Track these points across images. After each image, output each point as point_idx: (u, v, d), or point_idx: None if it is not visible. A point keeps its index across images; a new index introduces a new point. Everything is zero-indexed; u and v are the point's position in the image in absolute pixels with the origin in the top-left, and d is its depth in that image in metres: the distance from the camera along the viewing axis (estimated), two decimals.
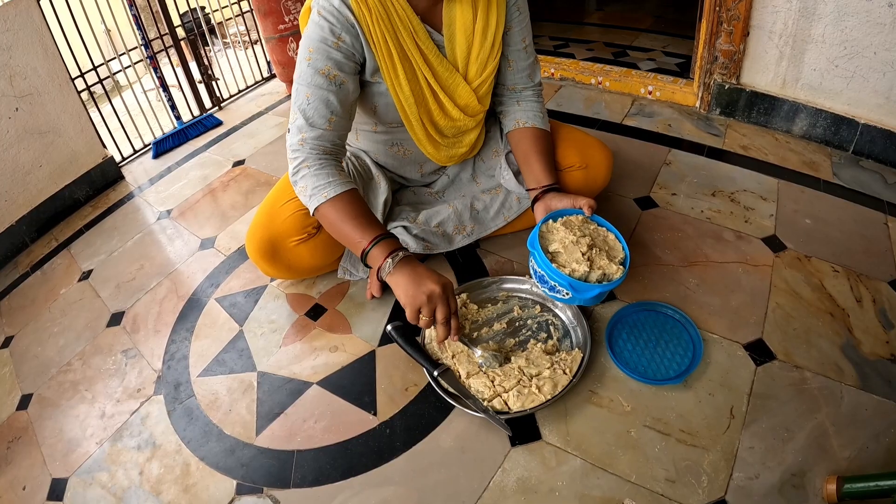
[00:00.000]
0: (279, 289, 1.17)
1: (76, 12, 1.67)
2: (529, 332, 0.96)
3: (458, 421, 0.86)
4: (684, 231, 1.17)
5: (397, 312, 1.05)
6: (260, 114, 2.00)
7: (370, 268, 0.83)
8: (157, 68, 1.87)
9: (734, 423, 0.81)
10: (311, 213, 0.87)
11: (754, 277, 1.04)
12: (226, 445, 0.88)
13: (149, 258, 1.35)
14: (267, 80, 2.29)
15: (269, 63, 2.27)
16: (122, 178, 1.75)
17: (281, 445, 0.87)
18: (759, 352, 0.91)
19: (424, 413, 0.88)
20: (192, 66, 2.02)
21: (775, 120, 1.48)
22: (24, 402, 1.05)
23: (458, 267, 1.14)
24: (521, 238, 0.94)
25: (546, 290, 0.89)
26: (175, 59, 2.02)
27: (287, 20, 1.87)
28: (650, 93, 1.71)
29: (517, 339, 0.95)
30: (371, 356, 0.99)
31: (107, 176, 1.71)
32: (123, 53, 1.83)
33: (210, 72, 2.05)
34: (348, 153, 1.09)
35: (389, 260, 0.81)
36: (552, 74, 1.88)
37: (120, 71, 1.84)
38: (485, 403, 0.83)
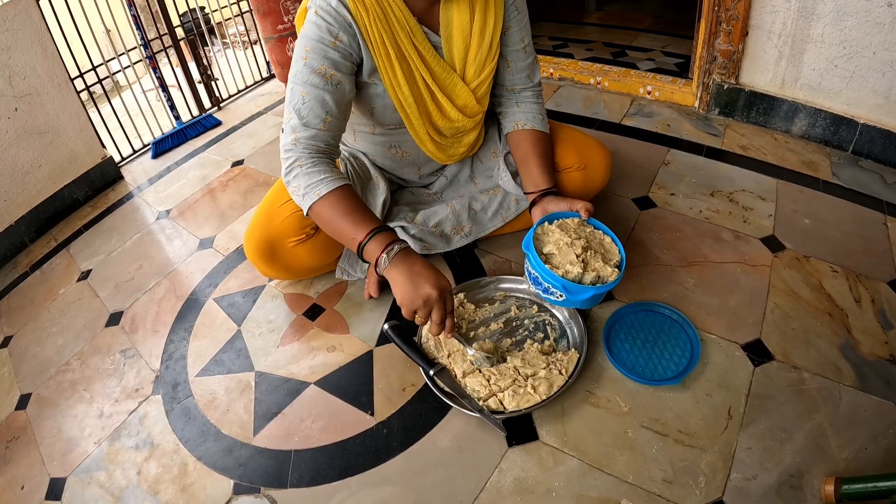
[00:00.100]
0: (277, 289, 1.17)
1: (75, 12, 1.67)
2: (526, 332, 0.96)
3: (455, 421, 0.86)
4: (683, 231, 1.17)
5: (395, 312, 1.05)
6: (259, 114, 2.00)
7: (367, 263, 0.82)
8: (156, 68, 1.87)
9: (732, 424, 0.81)
10: (305, 214, 0.86)
11: (753, 277, 1.04)
12: (223, 445, 0.89)
13: (148, 258, 1.35)
14: (266, 80, 2.29)
15: (268, 63, 2.27)
16: (122, 178, 1.75)
17: (278, 445, 0.87)
18: (757, 352, 0.90)
19: (422, 413, 0.88)
20: (192, 66, 2.02)
21: (774, 120, 1.48)
22: (23, 401, 1.05)
23: (456, 267, 1.14)
24: (519, 238, 0.94)
25: (540, 292, 0.89)
26: (174, 59, 2.02)
27: (286, 20, 1.87)
28: (649, 93, 1.71)
29: (514, 339, 0.95)
30: (368, 356, 0.99)
31: (106, 176, 1.71)
32: (123, 54, 1.83)
33: (209, 72, 2.05)
34: (347, 154, 1.09)
35: (385, 255, 0.80)
36: (551, 74, 1.88)
37: (119, 71, 1.85)
38: (480, 403, 0.83)
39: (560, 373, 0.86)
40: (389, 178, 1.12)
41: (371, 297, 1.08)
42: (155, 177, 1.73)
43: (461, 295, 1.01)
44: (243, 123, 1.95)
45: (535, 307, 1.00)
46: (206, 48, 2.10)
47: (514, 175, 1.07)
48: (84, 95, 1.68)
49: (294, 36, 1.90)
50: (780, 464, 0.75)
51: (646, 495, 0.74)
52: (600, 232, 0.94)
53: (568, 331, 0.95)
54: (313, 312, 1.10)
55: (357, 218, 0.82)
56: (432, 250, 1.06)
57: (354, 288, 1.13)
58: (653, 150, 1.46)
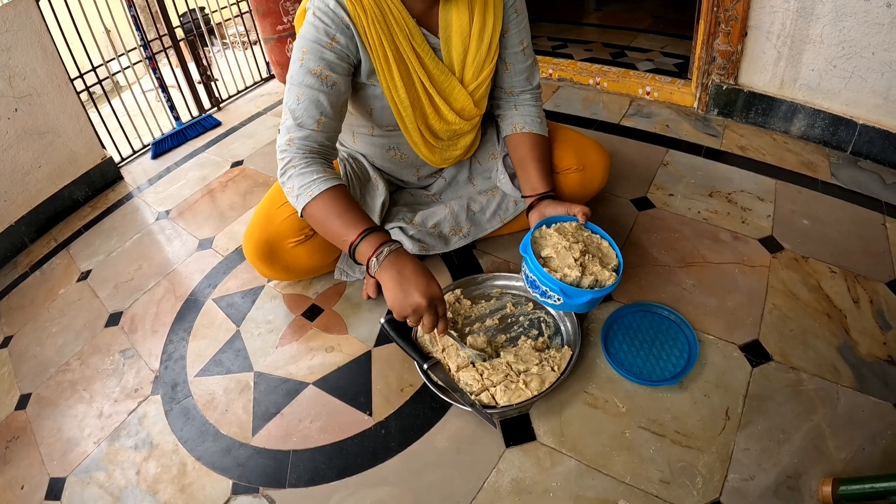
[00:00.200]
0: (276, 289, 1.17)
1: (75, 13, 1.67)
2: (521, 329, 0.97)
3: (453, 421, 0.86)
4: (681, 232, 1.17)
5: None
6: (259, 114, 2.00)
7: (360, 264, 0.82)
8: (156, 69, 1.87)
9: (729, 425, 0.81)
10: (299, 215, 0.85)
11: (751, 278, 1.04)
12: (222, 445, 0.89)
13: (147, 258, 1.35)
14: (266, 80, 2.29)
15: (267, 64, 2.27)
16: (121, 178, 1.75)
17: (277, 445, 0.87)
18: (755, 353, 0.91)
19: (420, 413, 0.88)
20: (192, 66, 2.02)
21: (773, 120, 1.48)
22: (23, 401, 1.06)
23: (454, 268, 1.14)
24: (518, 239, 0.94)
25: (538, 296, 0.89)
26: (174, 59, 2.02)
27: (285, 21, 1.87)
28: (648, 93, 1.71)
29: (508, 336, 0.96)
30: (367, 356, 0.99)
31: (106, 176, 1.71)
32: (122, 54, 1.83)
33: (209, 72, 2.05)
34: (346, 155, 1.09)
35: (374, 259, 0.79)
36: (550, 75, 1.88)
37: (119, 72, 1.85)
38: (472, 397, 0.84)
39: (552, 369, 0.86)
40: (388, 179, 1.12)
41: (370, 297, 1.08)
42: (155, 177, 1.73)
43: (458, 291, 1.02)
44: (243, 124, 1.95)
45: (531, 304, 1.01)
46: (205, 49, 2.10)
47: (513, 177, 1.07)
48: (84, 96, 1.68)
49: (293, 37, 1.90)
50: (778, 464, 0.76)
51: (643, 496, 0.74)
52: (598, 236, 0.95)
53: (562, 328, 0.96)
54: (312, 313, 1.10)
55: (349, 219, 0.81)
56: (431, 251, 1.06)
57: (353, 288, 1.13)
58: (651, 150, 1.46)
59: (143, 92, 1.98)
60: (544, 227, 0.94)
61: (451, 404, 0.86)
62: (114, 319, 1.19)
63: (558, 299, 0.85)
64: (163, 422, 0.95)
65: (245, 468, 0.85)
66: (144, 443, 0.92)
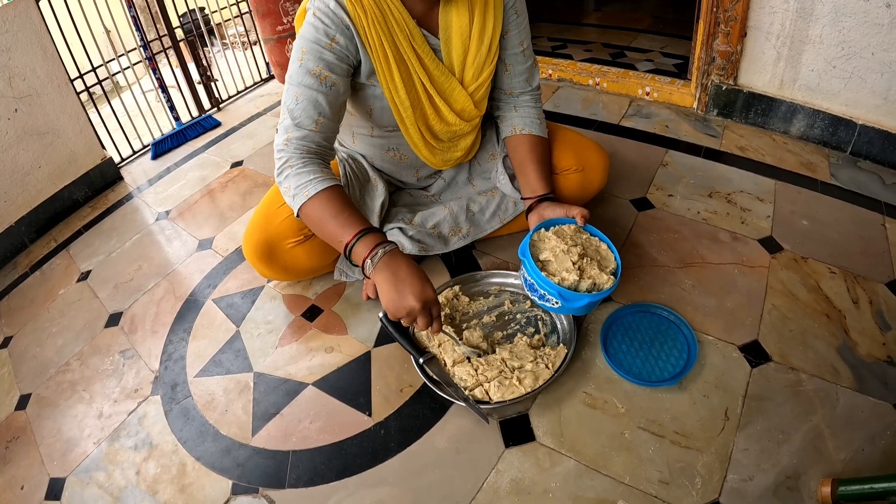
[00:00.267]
0: (276, 290, 1.17)
1: (75, 13, 1.67)
2: (518, 327, 0.97)
3: (452, 422, 0.86)
4: (680, 232, 1.17)
5: None
6: (258, 115, 2.00)
7: (357, 266, 0.83)
8: (156, 69, 1.87)
9: (729, 425, 0.81)
10: (295, 215, 0.85)
11: (750, 279, 1.04)
12: (222, 446, 0.89)
13: (147, 259, 1.35)
14: (266, 81, 2.29)
15: (267, 64, 2.28)
16: (121, 178, 1.75)
17: (276, 446, 0.87)
18: (754, 353, 0.91)
19: (419, 414, 0.88)
20: (191, 67, 2.02)
21: (773, 121, 1.48)
22: (23, 401, 1.06)
23: (453, 268, 1.14)
24: (517, 239, 0.94)
25: (536, 299, 0.89)
26: (174, 60, 2.02)
27: (285, 21, 1.87)
28: (648, 94, 1.71)
29: (505, 333, 0.96)
30: (366, 357, 0.99)
31: (106, 177, 1.71)
32: (122, 55, 1.83)
33: (209, 73, 2.05)
34: (345, 155, 1.09)
35: (369, 261, 0.80)
36: (550, 75, 1.88)
37: (119, 72, 1.85)
38: (466, 392, 0.84)
39: (546, 367, 0.87)
40: (388, 179, 1.12)
41: (369, 298, 1.08)
42: (154, 178, 1.73)
43: (456, 287, 1.03)
44: (243, 124, 1.95)
45: (528, 302, 1.01)
46: (205, 49, 2.10)
47: (512, 178, 1.07)
48: (84, 96, 1.68)
49: (293, 37, 1.90)
50: (777, 465, 0.76)
51: (642, 496, 0.74)
52: (596, 238, 0.95)
53: (559, 326, 0.96)
54: (312, 313, 1.10)
55: (344, 220, 0.81)
56: (430, 251, 1.06)
57: (353, 289, 1.13)
58: (651, 151, 1.46)
59: (143, 92, 1.98)
60: (542, 230, 0.94)
61: (451, 404, 0.86)
62: (114, 320, 1.19)
63: (556, 303, 0.86)
64: (162, 422, 0.95)
65: (245, 468, 0.85)
66: (144, 443, 0.92)
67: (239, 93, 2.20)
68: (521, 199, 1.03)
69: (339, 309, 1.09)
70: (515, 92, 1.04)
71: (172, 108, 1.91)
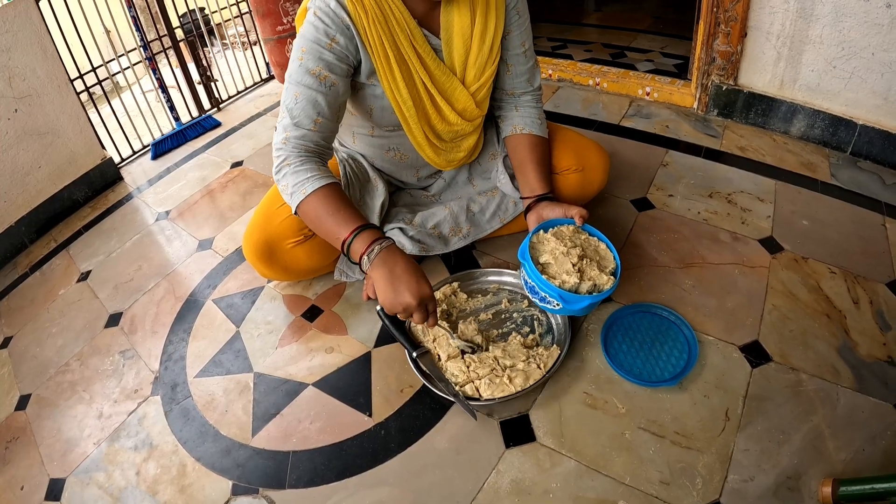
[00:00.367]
0: (276, 290, 1.17)
1: (75, 14, 1.67)
2: (513, 325, 0.98)
3: (452, 422, 0.86)
4: (681, 232, 1.17)
5: None
6: (258, 115, 2.00)
7: (356, 264, 0.84)
8: (156, 70, 1.87)
9: (729, 426, 0.81)
10: (294, 212, 0.86)
11: (751, 279, 1.04)
12: (222, 446, 0.89)
13: (147, 259, 1.35)
14: (266, 81, 2.29)
15: (267, 64, 2.28)
16: (121, 179, 1.75)
17: (276, 446, 0.87)
18: (754, 354, 0.91)
19: (419, 414, 0.88)
20: (191, 67, 2.02)
21: (773, 121, 1.48)
22: (23, 402, 1.06)
23: (453, 268, 1.14)
24: (517, 239, 0.95)
25: (537, 301, 0.89)
26: (174, 60, 2.02)
27: (285, 21, 1.87)
28: (648, 94, 1.71)
29: (500, 331, 0.97)
30: (367, 357, 0.99)
31: (106, 177, 1.71)
32: (122, 55, 1.83)
33: (209, 73, 2.05)
34: (345, 155, 1.09)
35: (366, 257, 0.81)
36: (550, 76, 1.88)
37: (119, 72, 1.85)
38: (457, 388, 0.85)
39: (538, 367, 0.87)
40: (388, 180, 1.12)
41: (369, 298, 1.07)
42: (154, 178, 1.73)
43: (455, 284, 1.04)
44: (243, 125, 1.95)
45: (526, 301, 1.02)
46: (205, 49, 2.10)
47: (513, 177, 1.07)
48: (84, 96, 1.68)
49: (293, 37, 1.90)
50: (778, 465, 0.76)
51: (643, 497, 0.74)
52: (595, 239, 0.95)
53: (554, 327, 0.96)
54: (312, 314, 1.10)
55: (342, 217, 0.82)
56: (430, 252, 1.06)
57: (353, 289, 1.13)
58: (651, 151, 1.46)
59: (143, 92, 1.98)
60: (542, 232, 0.94)
61: (451, 405, 0.86)
62: (114, 320, 1.19)
63: (557, 304, 0.86)
64: (162, 422, 0.94)
65: (245, 469, 0.85)
66: (144, 443, 0.92)
67: (239, 93, 2.20)
68: (521, 198, 1.03)
69: (339, 309, 1.09)
70: (517, 92, 1.04)
71: (172, 108, 1.91)
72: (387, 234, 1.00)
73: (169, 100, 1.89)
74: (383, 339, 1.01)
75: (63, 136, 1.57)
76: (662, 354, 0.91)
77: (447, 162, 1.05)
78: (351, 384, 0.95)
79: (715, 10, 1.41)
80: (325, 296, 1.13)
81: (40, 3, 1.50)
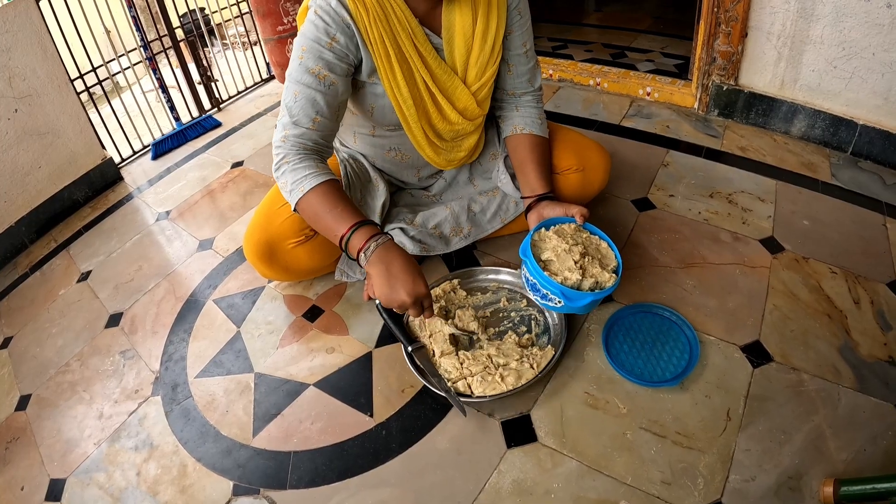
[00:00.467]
0: (276, 290, 1.17)
1: (75, 14, 1.67)
2: (511, 325, 0.98)
3: (454, 422, 0.86)
4: (681, 232, 1.17)
5: None
6: (259, 115, 2.00)
7: (354, 259, 0.85)
8: (156, 70, 1.87)
9: (730, 426, 0.81)
10: (293, 209, 0.87)
11: (752, 279, 1.04)
12: (223, 446, 0.89)
13: (147, 259, 1.35)
14: (266, 81, 2.29)
15: (268, 64, 2.27)
16: (121, 179, 1.75)
17: (277, 447, 0.87)
18: (756, 354, 0.90)
19: (420, 415, 0.88)
20: (192, 67, 2.02)
21: (773, 121, 1.48)
22: (23, 402, 1.05)
23: (454, 269, 1.14)
24: (518, 239, 0.94)
25: (538, 299, 0.89)
26: (174, 60, 2.02)
27: (286, 21, 1.87)
28: (648, 94, 1.71)
29: (497, 329, 0.97)
30: (367, 357, 0.99)
31: (106, 177, 1.71)
32: (123, 55, 1.83)
33: (209, 73, 2.05)
34: (346, 156, 1.09)
35: (363, 254, 0.82)
36: (551, 76, 1.88)
37: (119, 72, 1.85)
38: (449, 384, 0.86)
39: (531, 367, 0.87)
40: (389, 179, 1.12)
41: (370, 298, 1.08)
42: (155, 178, 1.73)
43: (455, 281, 1.04)
44: (243, 125, 1.95)
45: (525, 301, 1.02)
46: (205, 49, 2.10)
47: (514, 178, 1.07)
48: (84, 96, 1.68)
49: (294, 37, 1.90)
50: (779, 465, 0.76)
51: (644, 497, 0.74)
52: (596, 237, 0.95)
53: (551, 328, 0.96)
54: (312, 314, 1.10)
55: (340, 213, 0.83)
56: (431, 252, 1.06)
57: (353, 289, 1.13)
58: (652, 151, 1.46)
59: (143, 92, 1.98)
60: (543, 229, 0.94)
61: (452, 405, 0.86)
62: (114, 320, 1.19)
63: (559, 302, 0.85)
64: (163, 423, 0.94)
65: (246, 469, 0.85)
66: (145, 444, 0.92)
67: (239, 93, 2.20)
68: (521, 198, 1.03)
69: (340, 309, 1.09)
70: (518, 92, 1.04)
71: (173, 108, 1.91)
72: (368, 220, 1.00)
73: (169, 100, 1.89)
74: (384, 339, 1.01)
75: (63, 136, 1.57)
76: (664, 354, 0.91)
77: (447, 161, 1.05)
78: (352, 384, 0.95)
79: (715, 10, 1.41)
80: (325, 296, 1.13)
81: (40, 3, 1.49)
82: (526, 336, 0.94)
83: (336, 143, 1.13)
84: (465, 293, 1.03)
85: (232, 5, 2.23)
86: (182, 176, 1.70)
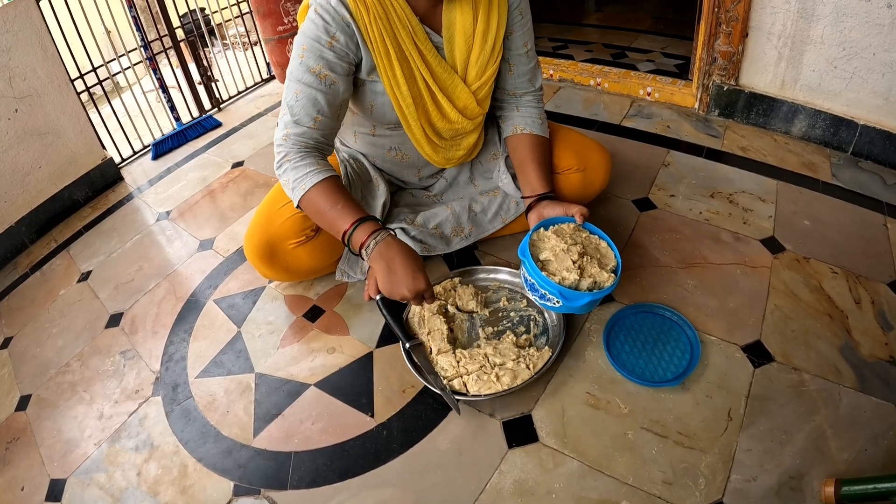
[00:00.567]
0: (277, 290, 1.17)
1: (76, 14, 1.67)
2: (509, 324, 0.98)
3: (455, 423, 0.86)
4: (682, 233, 1.17)
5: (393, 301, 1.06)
6: (259, 115, 2.00)
7: (356, 255, 0.87)
8: (156, 70, 1.87)
9: (732, 426, 0.81)
10: (296, 206, 0.88)
11: (752, 279, 1.04)
12: (223, 447, 0.89)
13: (148, 259, 1.35)
14: (266, 81, 2.29)
15: (268, 64, 2.27)
16: (122, 179, 1.75)
17: (278, 447, 0.87)
18: (757, 354, 0.90)
19: (421, 415, 0.88)
20: (192, 67, 2.02)
21: (774, 121, 1.48)
22: (23, 402, 1.05)
23: (455, 269, 1.14)
24: (519, 239, 0.94)
25: (537, 299, 0.89)
26: (174, 60, 2.02)
27: (286, 21, 1.87)
28: (649, 94, 1.71)
29: (496, 329, 0.97)
30: (368, 358, 0.99)
31: (106, 177, 1.71)
32: (123, 55, 1.83)
33: (209, 73, 2.05)
34: (347, 155, 1.09)
35: (364, 251, 0.83)
36: (551, 76, 1.88)
37: (119, 72, 1.84)
38: (445, 382, 0.86)
39: (527, 367, 0.87)
40: (389, 179, 1.12)
41: (371, 298, 1.08)
42: (155, 178, 1.73)
43: (456, 279, 1.04)
44: (243, 125, 1.95)
45: (524, 301, 1.02)
46: (206, 49, 2.10)
47: (514, 178, 1.07)
48: (84, 97, 1.68)
49: (294, 37, 1.90)
50: (780, 465, 0.76)
51: (646, 497, 0.74)
52: (596, 237, 0.94)
53: (549, 329, 0.96)
54: (313, 314, 1.10)
55: (342, 209, 0.84)
56: (432, 252, 1.06)
57: (354, 289, 1.13)
58: (652, 151, 1.46)
59: (144, 92, 1.98)
60: (542, 229, 0.94)
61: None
62: (114, 320, 1.19)
63: (557, 302, 0.85)
64: (163, 423, 0.94)
65: (246, 470, 0.85)
66: (145, 444, 0.92)
67: (239, 93, 2.20)
68: (522, 197, 1.03)
69: (340, 309, 1.09)
70: (518, 92, 1.04)
71: (173, 108, 1.91)
72: (370, 216, 1.01)
73: (169, 100, 1.89)
74: (385, 339, 1.01)
75: (63, 136, 1.57)
76: (665, 355, 0.91)
77: (446, 160, 1.05)
78: (353, 384, 0.94)
79: (716, 10, 1.41)
80: (326, 296, 1.13)
81: (41, 3, 1.49)
82: (524, 337, 0.94)
83: (336, 143, 1.13)
84: (473, 289, 1.02)
85: (232, 5, 2.23)
86: (182, 176, 1.69)
